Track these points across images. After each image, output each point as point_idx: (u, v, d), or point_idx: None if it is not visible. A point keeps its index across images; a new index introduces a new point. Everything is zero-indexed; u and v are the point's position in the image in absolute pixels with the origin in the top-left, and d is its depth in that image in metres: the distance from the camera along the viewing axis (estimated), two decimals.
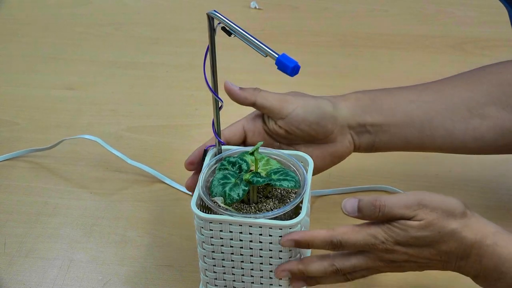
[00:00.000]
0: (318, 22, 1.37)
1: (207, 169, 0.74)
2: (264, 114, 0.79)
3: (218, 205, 0.70)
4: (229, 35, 0.67)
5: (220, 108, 0.73)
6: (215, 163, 0.75)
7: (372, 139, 0.81)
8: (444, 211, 0.66)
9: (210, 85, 0.71)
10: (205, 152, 0.77)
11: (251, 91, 0.78)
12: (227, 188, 0.70)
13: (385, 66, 1.24)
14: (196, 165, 0.78)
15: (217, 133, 0.75)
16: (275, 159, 0.75)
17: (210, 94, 0.72)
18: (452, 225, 0.65)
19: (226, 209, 0.69)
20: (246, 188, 0.69)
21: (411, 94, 0.82)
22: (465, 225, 0.66)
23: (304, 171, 0.73)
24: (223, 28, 0.67)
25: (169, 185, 0.97)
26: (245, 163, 0.72)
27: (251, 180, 0.69)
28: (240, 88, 0.78)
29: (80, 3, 1.46)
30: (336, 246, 0.67)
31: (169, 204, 0.94)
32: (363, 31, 1.34)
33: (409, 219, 0.66)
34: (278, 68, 0.65)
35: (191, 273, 0.83)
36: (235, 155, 0.75)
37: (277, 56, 0.64)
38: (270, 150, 0.76)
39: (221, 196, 0.70)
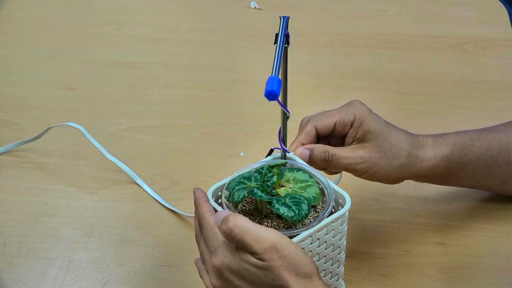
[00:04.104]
0: (318, 22, 1.37)
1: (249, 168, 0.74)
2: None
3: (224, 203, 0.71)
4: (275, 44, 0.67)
5: (287, 118, 0.74)
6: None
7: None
8: (291, 263, 0.63)
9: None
10: (271, 151, 0.78)
11: (322, 160, 0.77)
12: (236, 187, 0.70)
13: (385, 66, 1.24)
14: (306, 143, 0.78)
15: (283, 141, 0.76)
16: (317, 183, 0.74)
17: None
18: (289, 280, 0.63)
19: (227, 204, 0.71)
20: (247, 195, 0.69)
21: None
22: (303, 285, 0.63)
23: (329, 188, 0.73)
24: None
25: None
26: (275, 176, 0.72)
27: (252, 190, 0.69)
28: (310, 156, 0.77)
29: (80, 3, 1.46)
30: (200, 227, 0.69)
31: (169, 204, 0.94)
32: (363, 31, 1.34)
33: (253, 253, 0.63)
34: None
35: (191, 273, 0.83)
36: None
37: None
38: (316, 172, 0.75)
39: (229, 192, 0.71)
